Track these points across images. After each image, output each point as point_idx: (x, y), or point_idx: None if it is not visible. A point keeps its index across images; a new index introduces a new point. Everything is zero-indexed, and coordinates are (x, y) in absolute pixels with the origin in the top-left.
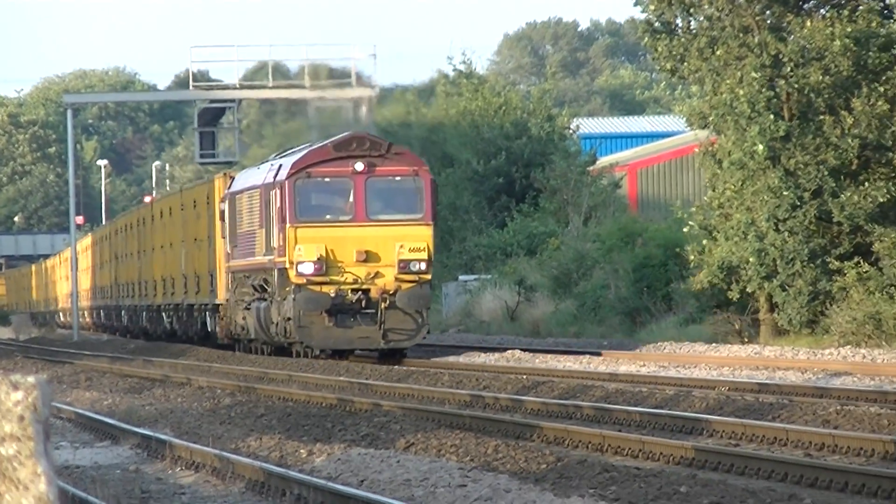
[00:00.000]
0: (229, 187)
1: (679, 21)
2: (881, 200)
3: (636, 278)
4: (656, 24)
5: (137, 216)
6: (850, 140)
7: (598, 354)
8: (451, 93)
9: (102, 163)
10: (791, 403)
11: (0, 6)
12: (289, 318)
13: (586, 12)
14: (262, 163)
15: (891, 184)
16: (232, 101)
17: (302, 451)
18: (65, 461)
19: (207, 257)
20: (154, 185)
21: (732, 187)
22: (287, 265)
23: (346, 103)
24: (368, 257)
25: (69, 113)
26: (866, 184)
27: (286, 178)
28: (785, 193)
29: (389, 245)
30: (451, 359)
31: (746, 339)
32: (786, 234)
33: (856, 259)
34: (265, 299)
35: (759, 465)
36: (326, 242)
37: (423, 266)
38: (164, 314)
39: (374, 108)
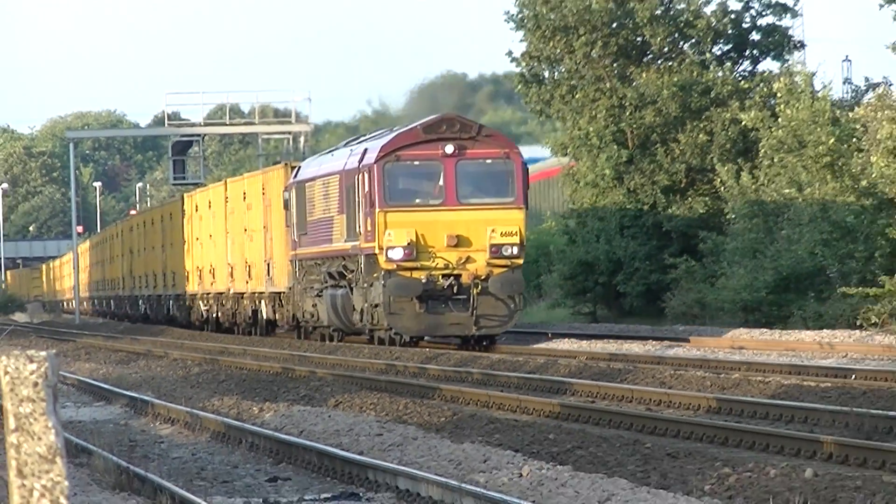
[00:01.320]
0: (295, 176)
1: (546, 73)
2: (701, 212)
3: None
4: (528, 77)
5: (161, 213)
6: (678, 165)
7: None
8: (371, 129)
9: (97, 184)
10: (635, 369)
11: (17, 62)
12: (376, 305)
13: (475, 67)
14: (334, 149)
15: (709, 198)
16: (198, 135)
17: (254, 408)
18: (69, 417)
19: (263, 246)
20: (137, 202)
21: (588, 202)
22: (376, 250)
23: (288, 136)
24: (459, 242)
25: (71, 145)
26: (690, 199)
27: (374, 162)
28: (628, 207)
29: (481, 229)
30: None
31: (600, 319)
32: (629, 238)
33: (685, 256)
34: (342, 286)
35: (611, 417)
36: (416, 227)
37: (516, 251)
38: (200, 302)
39: (309, 139)
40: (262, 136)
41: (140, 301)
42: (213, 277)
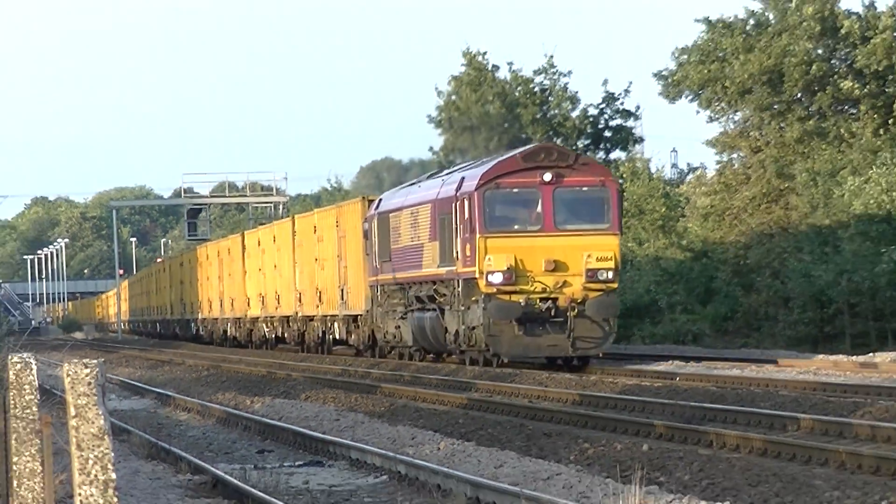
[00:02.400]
0: (376, 208)
1: (457, 161)
2: None
3: None
4: (444, 163)
5: (217, 248)
6: None
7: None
8: (331, 200)
9: (133, 239)
10: (521, 373)
11: (76, 150)
12: (474, 328)
13: (406, 153)
14: (417, 182)
15: None
16: (205, 204)
17: (247, 401)
18: (113, 407)
19: (336, 274)
20: (163, 252)
21: None
22: (476, 275)
23: (270, 205)
24: (557, 266)
25: (114, 212)
26: None
27: (475, 189)
28: None
29: (577, 254)
30: None
31: None
32: None
33: None
34: (431, 309)
35: (503, 407)
36: (515, 252)
37: (611, 275)
38: (263, 325)
39: (288, 207)
40: (252, 205)
41: (192, 323)
42: (278, 303)
